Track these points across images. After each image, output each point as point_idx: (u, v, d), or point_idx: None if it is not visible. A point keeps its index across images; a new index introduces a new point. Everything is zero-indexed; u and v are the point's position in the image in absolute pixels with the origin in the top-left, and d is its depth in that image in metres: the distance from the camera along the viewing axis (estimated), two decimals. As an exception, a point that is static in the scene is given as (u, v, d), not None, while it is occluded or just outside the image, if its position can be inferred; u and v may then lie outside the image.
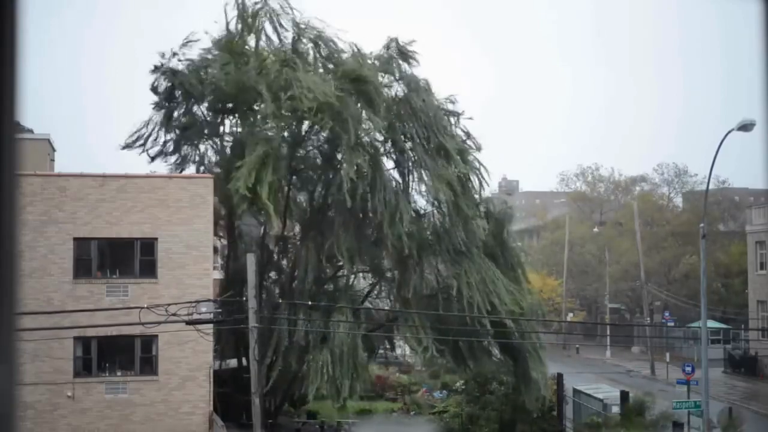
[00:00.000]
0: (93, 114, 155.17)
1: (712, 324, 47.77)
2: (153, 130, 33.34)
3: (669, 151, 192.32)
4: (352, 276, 34.23)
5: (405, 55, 31.71)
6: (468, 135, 32.58)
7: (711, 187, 46.28)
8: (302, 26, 31.75)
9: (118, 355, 27.77)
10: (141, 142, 33.36)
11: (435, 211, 32.17)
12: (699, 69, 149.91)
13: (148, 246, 27.78)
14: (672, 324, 59.56)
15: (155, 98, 32.98)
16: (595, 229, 74.41)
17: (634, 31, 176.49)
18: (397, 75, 31.73)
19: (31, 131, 34.41)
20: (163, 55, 32.11)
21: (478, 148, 32.41)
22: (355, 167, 28.29)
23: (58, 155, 38.31)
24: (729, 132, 26.72)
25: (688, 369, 34.37)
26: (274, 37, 32.05)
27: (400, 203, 29.19)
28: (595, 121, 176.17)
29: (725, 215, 72.19)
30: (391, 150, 31.83)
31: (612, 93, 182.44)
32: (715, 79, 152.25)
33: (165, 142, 33.64)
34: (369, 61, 31.11)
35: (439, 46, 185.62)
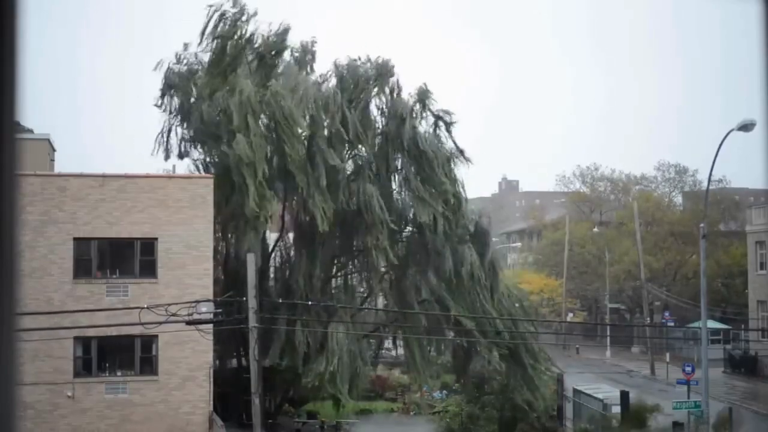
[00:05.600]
0: (93, 114, 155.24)
1: (712, 324, 47.72)
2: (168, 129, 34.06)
3: (669, 151, 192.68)
4: (349, 279, 34.56)
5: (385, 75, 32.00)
6: (459, 150, 32.80)
7: (711, 186, 46.26)
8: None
9: (118, 355, 27.75)
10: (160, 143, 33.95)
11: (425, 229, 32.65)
12: (699, 69, 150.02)
13: (148, 246, 27.76)
14: (672, 324, 59.52)
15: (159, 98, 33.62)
16: (595, 229, 74.38)
17: (634, 32, 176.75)
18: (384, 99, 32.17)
19: (31, 131, 34.37)
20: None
21: (466, 160, 32.55)
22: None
23: (58, 155, 38.30)
24: (729, 132, 26.72)
25: (688, 369, 34.32)
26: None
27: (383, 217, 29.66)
28: (596, 121, 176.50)
29: (725, 215, 72.12)
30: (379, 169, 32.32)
31: (612, 93, 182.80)
32: (715, 79, 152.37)
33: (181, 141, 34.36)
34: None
35: (442, 47, 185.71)
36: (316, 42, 34.10)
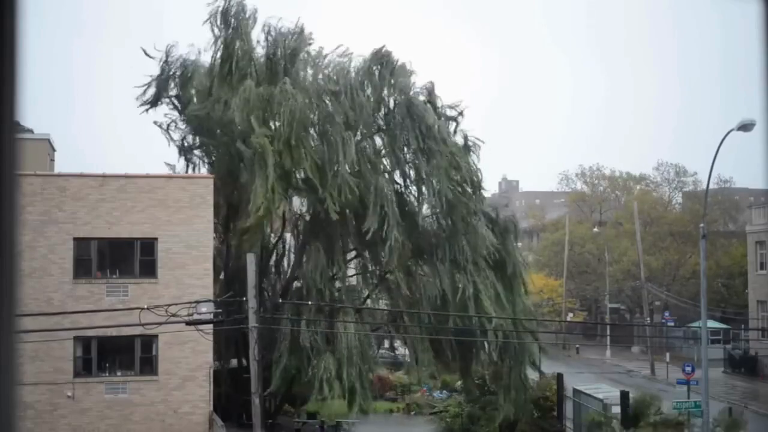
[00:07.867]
0: (93, 114, 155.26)
1: (712, 324, 47.72)
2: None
3: (669, 151, 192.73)
4: (353, 278, 34.39)
5: (392, 67, 31.58)
6: (466, 140, 32.46)
7: (712, 186, 46.30)
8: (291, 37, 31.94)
9: (118, 355, 27.78)
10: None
11: (435, 218, 32.28)
12: (699, 69, 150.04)
13: (148, 246, 27.77)
14: (672, 324, 59.54)
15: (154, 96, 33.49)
16: (595, 229, 74.41)
17: (634, 32, 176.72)
18: (390, 87, 31.70)
19: (31, 131, 34.39)
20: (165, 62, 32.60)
21: (473, 151, 32.22)
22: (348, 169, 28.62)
23: (58, 155, 38.35)
24: (729, 132, 26.69)
25: (688, 369, 34.32)
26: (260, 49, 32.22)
27: (394, 211, 29.29)
28: (596, 121, 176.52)
29: (725, 215, 72.18)
30: (390, 158, 32.04)
31: (612, 93, 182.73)
32: (715, 79, 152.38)
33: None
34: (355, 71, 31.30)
35: (441, 47, 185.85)
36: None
